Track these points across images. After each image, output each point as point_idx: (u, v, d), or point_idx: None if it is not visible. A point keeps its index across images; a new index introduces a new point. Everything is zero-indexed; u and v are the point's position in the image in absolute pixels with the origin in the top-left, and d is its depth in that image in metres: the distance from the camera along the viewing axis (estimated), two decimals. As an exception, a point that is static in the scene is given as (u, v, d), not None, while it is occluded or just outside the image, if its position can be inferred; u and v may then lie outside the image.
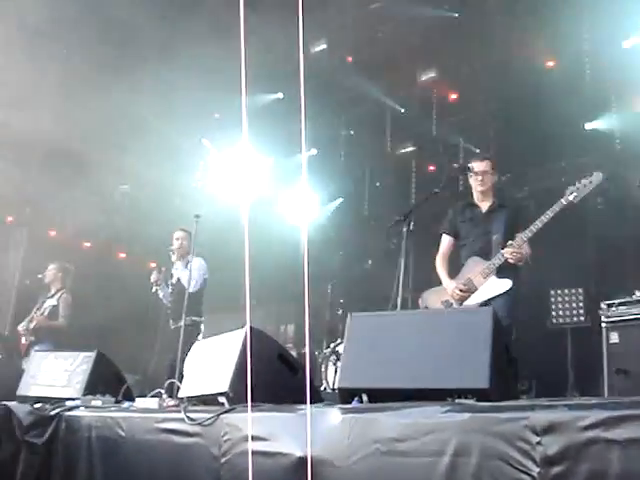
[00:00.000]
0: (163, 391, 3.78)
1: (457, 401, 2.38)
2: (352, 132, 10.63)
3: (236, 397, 2.97)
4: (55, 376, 4.37)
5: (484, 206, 4.67)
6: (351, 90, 9.67)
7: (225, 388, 3.05)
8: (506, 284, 4.29)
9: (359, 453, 2.24)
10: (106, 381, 4.18)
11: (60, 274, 7.07)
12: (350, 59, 9.69)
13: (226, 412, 2.79)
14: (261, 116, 8.71)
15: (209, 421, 2.80)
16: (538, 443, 1.84)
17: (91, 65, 8.25)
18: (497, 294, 4.29)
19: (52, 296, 6.94)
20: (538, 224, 4.17)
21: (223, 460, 2.66)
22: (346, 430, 2.31)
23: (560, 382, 6.08)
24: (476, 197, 4.74)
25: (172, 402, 3.57)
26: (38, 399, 4.05)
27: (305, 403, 2.47)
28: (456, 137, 9.06)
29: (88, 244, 10.98)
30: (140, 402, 3.70)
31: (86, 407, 3.75)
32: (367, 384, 2.70)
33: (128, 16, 7.40)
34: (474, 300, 4.36)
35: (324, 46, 9.49)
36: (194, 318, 6.11)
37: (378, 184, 10.24)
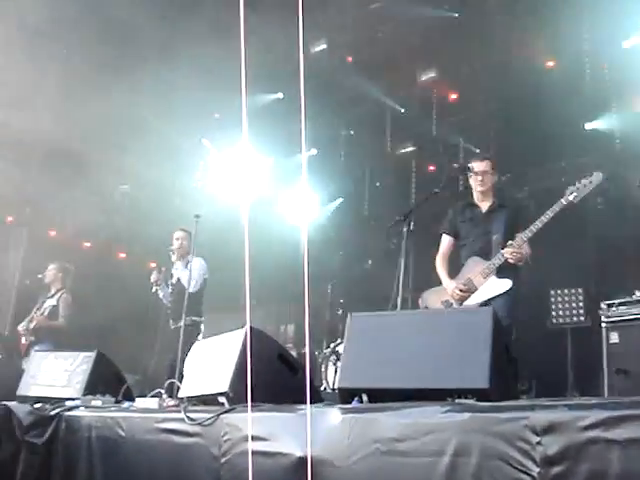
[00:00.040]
0: (163, 391, 3.78)
1: (457, 401, 2.38)
2: (352, 132, 10.62)
3: (236, 397, 2.97)
4: (55, 376, 4.37)
5: (484, 206, 4.67)
6: (351, 90, 9.66)
7: (225, 388, 3.05)
8: (506, 284, 4.29)
9: (359, 453, 2.23)
10: (106, 381, 4.18)
11: (60, 274, 7.07)
12: (350, 59, 9.68)
13: (226, 412, 2.79)
14: (261, 116, 8.70)
15: (209, 421, 2.80)
16: (538, 443, 1.83)
17: (91, 65, 8.25)
18: (497, 294, 4.29)
19: (52, 296, 6.94)
20: (538, 224, 4.17)
21: (223, 460, 2.66)
22: (346, 430, 2.31)
23: (560, 382, 6.08)
24: (476, 197, 4.74)
25: (172, 402, 3.57)
26: (38, 399, 4.04)
27: (305, 403, 2.47)
28: (456, 137, 9.05)
29: (88, 244, 10.97)
30: (140, 402, 3.70)
31: (86, 407, 3.75)
32: (367, 384, 2.70)
33: (128, 16, 7.40)
34: (474, 300, 4.37)
35: (324, 46, 9.48)
36: (194, 318, 6.11)
37: (378, 184, 10.24)
